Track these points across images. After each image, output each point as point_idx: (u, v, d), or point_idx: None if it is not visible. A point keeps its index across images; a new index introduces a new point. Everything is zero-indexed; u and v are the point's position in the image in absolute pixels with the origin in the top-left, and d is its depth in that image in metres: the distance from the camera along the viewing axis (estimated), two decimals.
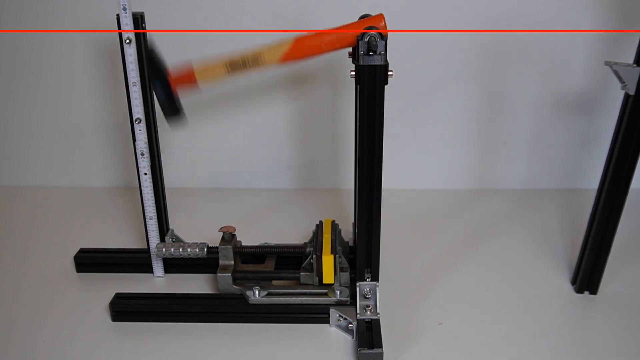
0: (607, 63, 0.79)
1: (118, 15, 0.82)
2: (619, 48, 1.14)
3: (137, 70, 0.85)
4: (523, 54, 1.16)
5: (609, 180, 0.84)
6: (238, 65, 0.81)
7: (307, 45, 0.80)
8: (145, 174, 0.91)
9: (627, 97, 0.80)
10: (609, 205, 0.85)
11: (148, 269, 0.98)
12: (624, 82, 0.79)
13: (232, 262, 0.91)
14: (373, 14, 0.83)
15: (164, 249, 0.92)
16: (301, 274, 0.88)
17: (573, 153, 1.25)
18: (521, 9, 1.13)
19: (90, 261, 0.99)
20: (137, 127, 0.88)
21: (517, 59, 1.16)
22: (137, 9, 0.84)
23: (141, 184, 0.92)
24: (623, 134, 0.81)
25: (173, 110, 0.82)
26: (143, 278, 0.97)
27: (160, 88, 0.81)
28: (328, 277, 0.86)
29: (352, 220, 1.05)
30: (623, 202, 0.85)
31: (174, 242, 0.96)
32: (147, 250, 0.97)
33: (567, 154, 1.25)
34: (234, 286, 0.89)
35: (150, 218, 0.94)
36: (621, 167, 0.83)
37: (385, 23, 0.78)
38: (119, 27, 0.83)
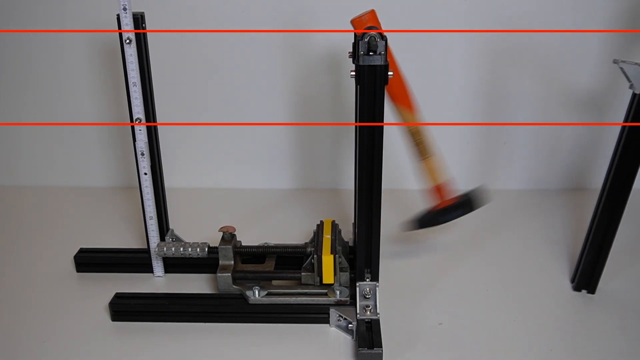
0: (615, 61, 0.80)
1: (118, 15, 0.82)
2: (628, 48, 1.14)
3: (137, 70, 0.85)
4: (524, 54, 1.16)
5: (611, 180, 0.84)
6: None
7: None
8: (145, 173, 0.91)
9: (633, 96, 0.80)
10: (611, 205, 0.85)
11: (148, 268, 0.98)
12: (630, 81, 0.79)
13: (232, 262, 0.91)
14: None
15: (164, 249, 0.92)
16: (302, 274, 0.88)
17: (573, 153, 1.25)
18: (523, 9, 1.13)
19: (90, 261, 0.99)
20: (137, 127, 0.88)
21: (518, 59, 1.16)
22: (137, 9, 0.84)
23: (141, 184, 0.92)
24: (627, 134, 0.81)
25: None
26: (143, 278, 0.97)
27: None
28: (328, 277, 0.86)
29: (352, 220, 1.05)
30: (625, 202, 0.85)
31: (174, 241, 0.96)
32: (147, 250, 0.97)
33: (567, 154, 1.25)
34: (234, 286, 0.89)
35: (150, 218, 0.94)
36: (624, 167, 0.83)
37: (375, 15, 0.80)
38: (119, 27, 0.83)
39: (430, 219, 0.94)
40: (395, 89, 0.88)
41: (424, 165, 0.91)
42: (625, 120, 0.82)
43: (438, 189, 0.92)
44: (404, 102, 0.89)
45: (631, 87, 0.80)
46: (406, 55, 1.14)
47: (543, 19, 1.13)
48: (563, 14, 1.13)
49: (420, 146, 0.91)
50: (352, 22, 0.84)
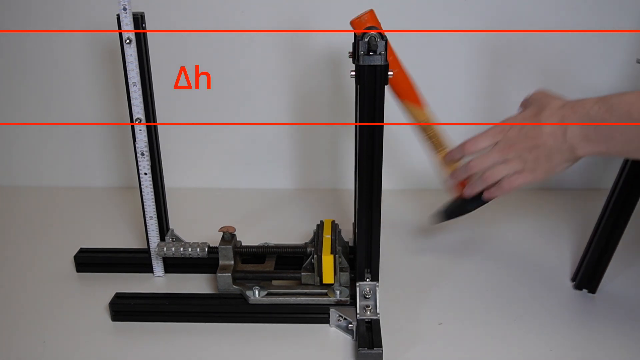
0: (638, 61, 0.80)
1: (118, 15, 0.82)
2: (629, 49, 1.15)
3: (137, 70, 0.85)
4: (523, 54, 1.16)
5: (623, 181, 0.83)
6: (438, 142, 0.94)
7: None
8: (145, 174, 0.91)
9: None
10: (620, 206, 0.85)
11: (148, 268, 0.98)
12: None
13: (232, 262, 0.91)
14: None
15: (164, 249, 0.92)
16: (302, 274, 0.88)
17: None
18: (522, 8, 1.13)
19: (90, 261, 0.99)
20: (137, 127, 0.88)
21: (518, 58, 1.16)
22: (137, 9, 0.84)
23: (141, 184, 0.92)
24: None
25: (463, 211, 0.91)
26: (143, 278, 0.97)
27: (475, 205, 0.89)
28: (328, 277, 0.86)
29: (352, 220, 1.05)
30: (634, 204, 0.84)
31: (174, 241, 0.96)
32: (147, 250, 0.97)
33: None
34: (234, 286, 0.89)
35: (150, 218, 0.94)
36: (637, 169, 0.82)
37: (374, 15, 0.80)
38: (119, 27, 0.83)
39: (458, 208, 0.92)
40: (401, 86, 0.89)
41: (440, 157, 0.92)
42: None
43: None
44: (411, 98, 0.90)
45: None
46: (406, 56, 1.15)
47: (542, 18, 1.13)
48: (563, 14, 1.13)
49: (433, 139, 0.92)
50: (352, 23, 0.84)
